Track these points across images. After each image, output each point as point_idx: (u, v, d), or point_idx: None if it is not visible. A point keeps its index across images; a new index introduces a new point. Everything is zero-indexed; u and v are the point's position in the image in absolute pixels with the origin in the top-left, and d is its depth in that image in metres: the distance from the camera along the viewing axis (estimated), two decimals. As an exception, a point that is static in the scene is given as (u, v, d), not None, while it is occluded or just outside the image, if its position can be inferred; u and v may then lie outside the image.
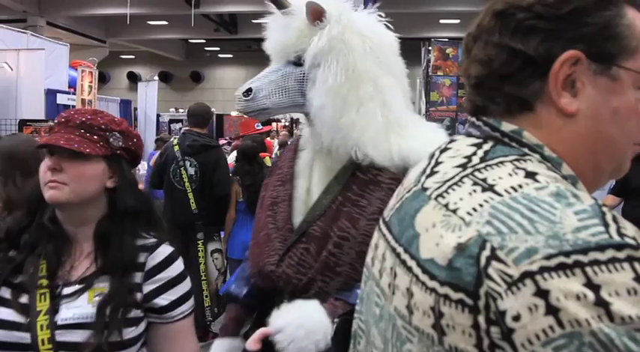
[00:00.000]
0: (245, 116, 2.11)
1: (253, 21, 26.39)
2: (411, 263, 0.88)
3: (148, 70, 26.32)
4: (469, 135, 0.98)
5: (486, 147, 0.93)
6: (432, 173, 0.95)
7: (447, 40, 10.84)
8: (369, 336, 1.00)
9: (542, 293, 0.75)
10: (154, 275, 1.64)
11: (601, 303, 0.74)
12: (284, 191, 2.09)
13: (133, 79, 25.63)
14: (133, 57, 27.27)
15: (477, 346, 0.80)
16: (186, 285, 1.70)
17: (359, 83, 1.92)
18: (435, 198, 0.90)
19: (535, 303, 0.75)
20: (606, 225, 0.77)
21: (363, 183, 1.93)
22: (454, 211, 0.85)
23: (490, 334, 0.79)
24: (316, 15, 1.93)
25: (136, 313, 1.61)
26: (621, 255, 0.75)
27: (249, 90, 1.96)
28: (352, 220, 1.89)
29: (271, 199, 2.11)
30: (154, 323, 1.67)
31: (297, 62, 1.97)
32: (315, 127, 1.97)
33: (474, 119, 0.99)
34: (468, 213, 0.83)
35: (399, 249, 0.92)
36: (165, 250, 1.68)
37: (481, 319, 0.79)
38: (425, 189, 0.93)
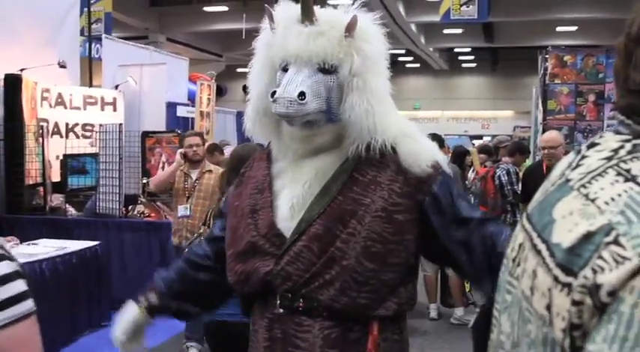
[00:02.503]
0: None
1: (365, 32, 26.49)
2: (541, 246, 0.91)
3: (262, 83, 26.92)
4: (617, 133, 0.97)
5: (636, 141, 0.92)
6: (577, 166, 0.96)
7: (564, 47, 10.58)
8: (499, 325, 1.03)
9: None
10: None
11: None
12: (263, 198, 2.15)
13: (248, 91, 26.27)
14: (249, 70, 27.96)
15: (566, 330, 0.83)
16: (5, 291, 1.55)
17: (387, 88, 2.14)
18: (578, 189, 0.90)
19: (629, 275, 0.76)
20: None
21: (364, 184, 2.05)
22: (593, 200, 0.86)
23: (572, 315, 0.81)
24: (352, 29, 2.06)
25: None
26: None
27: (303, 93, 2.00)
28: (357, 217, 2.01)
29: (250, 207, 2.17)
30: None
31: (329, 70, 2.06)
32: (348, 130, 2.06)
33: (623, 118, 0.97)
34: (606, 203, 0.84)
35: (533, 234, 0.94)
36: None
37: (571, 298, 0.82)
38: (568, 181, 0.94)
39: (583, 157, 0.96)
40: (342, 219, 2.01)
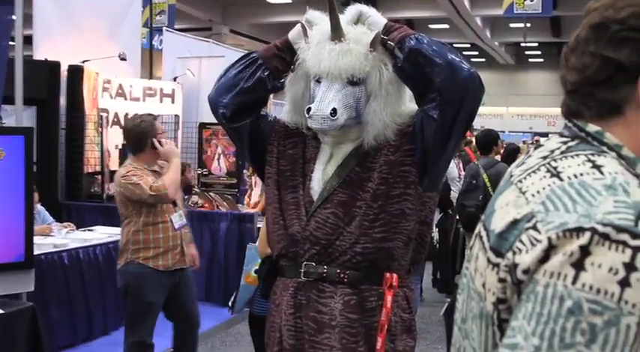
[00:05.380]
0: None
1: (430, 26, 26.45)
2: (483, 233, 1.06)
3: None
4: (561, 135, 1.11)
5: (571, 144, 1.06)
6: (522, 164, 1.11)
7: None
8: (458, 304, 1.18)
9: (550, 249, 0.89)
10: None
11: (577, 266, 0.86)
12: (302, 171, 2.52)
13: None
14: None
15: (494, 304, 0.98)
16: None
17: (405, 99, 2.48)
18: (516, 183, 1.05)
19: (541, 256, 0.90)
20: (638, 219, 0.88)
21: (373, 154, 2.41)
22: (524, 193, 1.01)
23: (498, 290, 0.96)
24: (376, 44, 2.35)
25: None
26: (633, 242, 0.86)
27: (335, 110, 2.30)
28: (371, 179, 2.39)
29: (293, 173, 2.53)
30: None
31: (357, 82, 2.36)
32: (366, 128, 2.40)
33: (566, 121, 1.12)
34: (532, 195, 0.99)
35: (481, 224, 1.10)
36: None
37: (498, 276, 0.96)
38: (511, 176, 1.09)
39: (529, 156, 1.11)
40: (361, 185, 2.39)
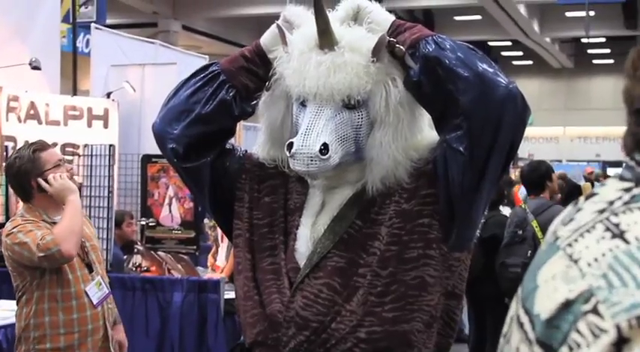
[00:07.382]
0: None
1: (456, 18, 26.64)
2: (524, 318, 1.03)
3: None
4: (621, 178, 1.09)
5: (637, 191, 1.04)
6: (570, 221, 1.08)
7: None
8: None
9: (620, 343, 0.87)
10: None
11: None
12: (284, 227, 2.52)
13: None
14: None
15: None
16: None
17: (420, 126, 2.47)
18: (564, 248, 1.03)
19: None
20: None
21: (380, 202, 2.39)
22: (576, 261, 0.98)
23: None
24: (380, 51, 2.31)
25: None
26: None
27: (326, 146, 2.26)
28: (378, 237, 2.36)
29: (271, 228, 2.53)
30: None
31: (355, 105, 2.35)
32: (370, 166, 2.38)
33: (628, 158, 1.10)
34: (588, 264, 0.96)
35: (519, 305, 1.07)
36: None
37: None
38: (557, 239, 1.07)
39: (578, 210, 1.09)
40: (364, 245, 2.37)
